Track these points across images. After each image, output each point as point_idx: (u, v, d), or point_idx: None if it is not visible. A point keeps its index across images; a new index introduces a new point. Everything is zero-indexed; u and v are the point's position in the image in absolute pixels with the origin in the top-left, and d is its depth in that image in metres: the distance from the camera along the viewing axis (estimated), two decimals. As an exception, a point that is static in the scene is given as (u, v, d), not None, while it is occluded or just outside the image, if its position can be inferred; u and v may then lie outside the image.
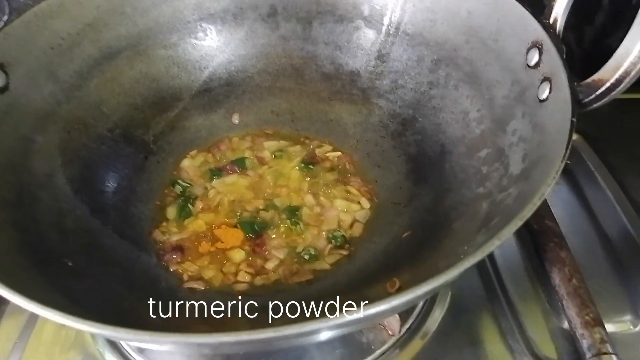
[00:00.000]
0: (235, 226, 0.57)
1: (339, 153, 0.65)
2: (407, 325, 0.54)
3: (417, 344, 0.53)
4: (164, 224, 0.58)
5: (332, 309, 0.47)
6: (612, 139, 0.72)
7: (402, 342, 0.53)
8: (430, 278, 0.32)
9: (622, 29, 0.75)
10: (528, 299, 0.57)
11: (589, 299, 0.51)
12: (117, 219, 0.56)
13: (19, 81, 0.54)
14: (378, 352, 0.52)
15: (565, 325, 0.54)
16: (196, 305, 0.51)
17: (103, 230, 0.54)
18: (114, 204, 0.57)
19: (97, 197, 0.57)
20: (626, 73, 0.39)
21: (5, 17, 0.80)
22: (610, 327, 0.50)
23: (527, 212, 0.34)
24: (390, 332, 0.53)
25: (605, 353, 0.47)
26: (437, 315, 0.55)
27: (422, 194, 0.57)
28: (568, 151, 0.38)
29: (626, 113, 0.74)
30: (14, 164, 0.51)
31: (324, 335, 0.41)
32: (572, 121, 0.40)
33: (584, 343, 0.49)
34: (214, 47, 0.68)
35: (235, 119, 0.69)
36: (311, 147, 0.66)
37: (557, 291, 0.53)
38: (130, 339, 0.46)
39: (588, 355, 0.48)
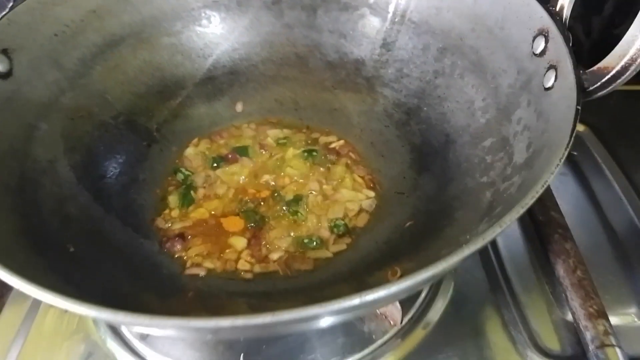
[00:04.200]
0: (238, 214, 0.56)
1: (342, 142, 0.64)
2: (409, 316, 0.53)
3: (418, 334, 0.52)
4: (166, 211, 0.58)
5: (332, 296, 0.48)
6: (619, 131, 0.71)
7: (404, 332, 0.52)
8: (430, 265, 0.31)
9: (630, 19, 0.74)
10: (532, 290, 0.56)
11: (593, 290, 0.51)
12: (119, 207, 0.56)
13: (23, 68, 0.54)
14: (379, 341, 0.52)
15: (569, 317, 0.53)
16: (197, 291, 0.51)
17: (105, 217, 0.54)
18: (117, 191, 0.57)
19: (99, 184, 0.57)
20: (632, 60, 0.39)
21: (10, 4, 0.80)
22: (614, 320, 0.50)
23: (529, 200, 0.34)
24: (392, 322, 0.52)
25: (608, 345, 0.47)
26: (439, 306, 0.54)
27: (425, 184, 0.56)
28: (572, 139, 0.37)
29: (634, 105, 0.73)
30: (16, 150, 0.51)
31: (325, 322, 0.40)
32: (576, 109, 0.39)
33: (588, 335, 0.48)
34: (217, 34, 0.68)
35: (239, 108, 0.68)
36: (314, 135, 0.65)
37: (561, 282, 0.53)
38: (129, 323, 0.46)
39: (591, 346, 0.48)
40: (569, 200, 0.64)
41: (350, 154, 0.63)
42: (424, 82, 0.62)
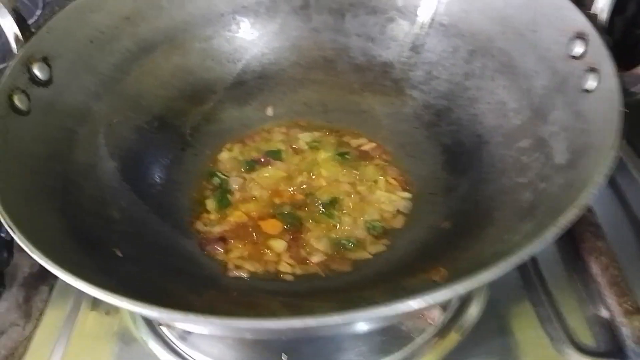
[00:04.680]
0: (275, 217, 0.57)
1: (374, 144, 0.65)
2: (446, 314, 0.54)
3: (456, 333, 0.53)
4: (205, 215, 0.59)
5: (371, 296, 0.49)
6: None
7: (442, 331, 0.53)
8: (498, 261, 0.32)
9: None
10: (564, 288, 0.57)
11: (627, 287, 0.52)
12: (159, 209, 0.57)
13: (62, 74, 0.55)
14: (418, 340, 0.52)
15: (603, 313, 0.54)
16: (240, 291, 0.52)
17: (145, 220, 0.55)
18: (155, 194, 0.59)
19: (138, 187, 0.58)
20: (677, 62, 0.40)
21: (38, 12, 0.81)
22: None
23: (584, 200, 0.35)
24: (430, 321, 0.53)
25: (645, 340, 0.48)
26: (476, 304, 0.55)
27: (459, 184, 0.57)
28: (619, 140, 0.38)
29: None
30: (60, 154, 0.53)
31: (373, 324, 0.41)
32: (621, 111, 0.40)
33: (624, 330, 0.49)
34: (247, 39, 0.69)
35: (269, 111, 0.69)
36: (345, 138, 0.66)
37: (595, 280, 0.54)
38: (181, 321, 0.47)
39: (628, 342, 0.49)
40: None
41: (382, 155, 0.64)
42: (453, 84, 0.63)
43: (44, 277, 0.61)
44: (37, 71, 0.52)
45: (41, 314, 0.58)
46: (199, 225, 0.58)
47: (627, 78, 0.42)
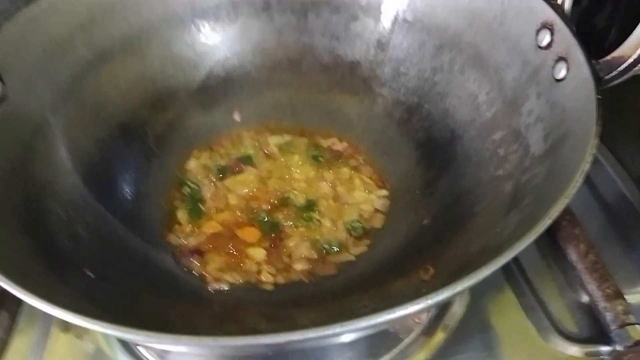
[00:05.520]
0: (252, 224, 0.56)
1: (345, 143, 0.64)
2: (430, 312, 0.54)
3: (443, 329, 0.53)
4: (177, 227, 0.56)
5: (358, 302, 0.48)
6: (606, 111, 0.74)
7: (429, 329, 0.53)
8: (498, 256, 0.31)
9: (604, 10, 0.77)
10: (544, 276, 0.58)
11: (607, 272, 0.53)
12: (128, 224, 0.54)
13: (16, 88, 0.51)
14: (407, 340, 0.52)
15: (583, 299, 0.55)
16: (220, 304, 0.50)
17: (115, 236, 0.53)
18: (122, 208, 0.56)
19: (104, 202, 0.55)
20: (649, 48, 0.40)
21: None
22: (627, 299, 0.52)
23: (573, 189, 0.35)
24: (416, 320, 0.53)
25: (629, 324, 0.48)
26: (459, 299, 0.55)
27: (436, 180, 0.57)
28: (598, 127, 0.38)
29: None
30: (18, 171, 0.49)
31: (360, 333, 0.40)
32: (597, 99, 0.40)
33: (608, 315, 0.50)
34: (209, 44, 0.67)
35: (236, 116, 0.67)
36: (316, 139, 0.65)
37: (574, 267, 0.54)
38: (160, 343, 0.45)
39: (613, 327, 0.49)
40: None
41: (355, 154, 0.63)
42: (422, 80, 0.62)
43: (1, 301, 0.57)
44: (-10, 87, 0.49)
45: (5, 342, 0.54)
46: (172, 238, 0.55)
47: (600, 66, 0.43)
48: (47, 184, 0.52)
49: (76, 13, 0.58)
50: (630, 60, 0.41)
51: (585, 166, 0.36)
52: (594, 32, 0.81)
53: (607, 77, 0.43)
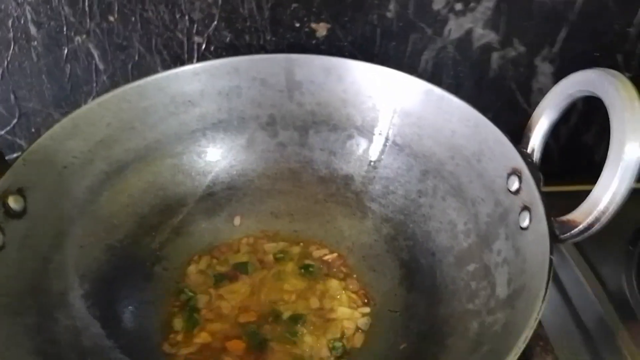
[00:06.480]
0: (241, 337, 0.59)
1: (335, 254, 0.68)
2: None
3: None
4: (172, 335, 0.60)
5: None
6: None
7: None
8: None
9: (592, 128, 0.82)
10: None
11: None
12: (129, 333, 0.58)
13: (37, 204, 0.56)
14: None
15: None
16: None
17: (116, 346, 0.57)
18: (124, 316, 0.60)
19: (107, 311, 0.59)
20: (596, 220, 0.44)
21: (14, 121, 0.84)
22: None
23: (520, 346, 0.38)
24: None
25: None
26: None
27: (416, 303, 0.60)
28: (547, 292, 0.42)
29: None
30: (33, 287, 0.53)
31: None
32: (550, 259, 0.44)
33: None
34: (217, 153, 0.73)
35: (237, 222, 0.72)
36: (309, 249, 0.69)
37: (544, 395, 0.57)
38: None
39: None
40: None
41: (342, 267, 0.67)
42: (408, 200, 0.67)
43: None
44: (12, 204, 0.54)
45: None
46: (166, 347, 0.59)
47: (557, 225, 0.47)
48: (60, 295, 0.56)
49: (96, 130, 0.64)
50: (581, 226, 0.45)
51: (530, 332, 0.40)
52: (584, 148, 0.85)
53: (563, 236, 0.46)
